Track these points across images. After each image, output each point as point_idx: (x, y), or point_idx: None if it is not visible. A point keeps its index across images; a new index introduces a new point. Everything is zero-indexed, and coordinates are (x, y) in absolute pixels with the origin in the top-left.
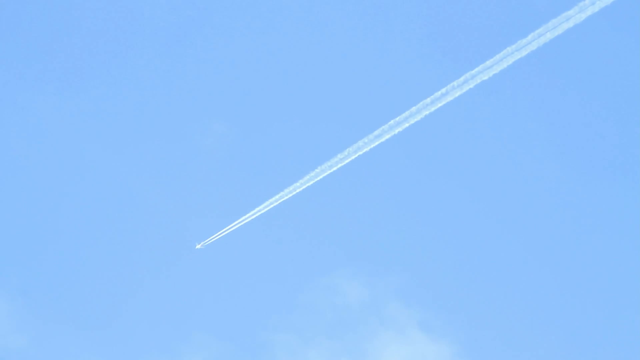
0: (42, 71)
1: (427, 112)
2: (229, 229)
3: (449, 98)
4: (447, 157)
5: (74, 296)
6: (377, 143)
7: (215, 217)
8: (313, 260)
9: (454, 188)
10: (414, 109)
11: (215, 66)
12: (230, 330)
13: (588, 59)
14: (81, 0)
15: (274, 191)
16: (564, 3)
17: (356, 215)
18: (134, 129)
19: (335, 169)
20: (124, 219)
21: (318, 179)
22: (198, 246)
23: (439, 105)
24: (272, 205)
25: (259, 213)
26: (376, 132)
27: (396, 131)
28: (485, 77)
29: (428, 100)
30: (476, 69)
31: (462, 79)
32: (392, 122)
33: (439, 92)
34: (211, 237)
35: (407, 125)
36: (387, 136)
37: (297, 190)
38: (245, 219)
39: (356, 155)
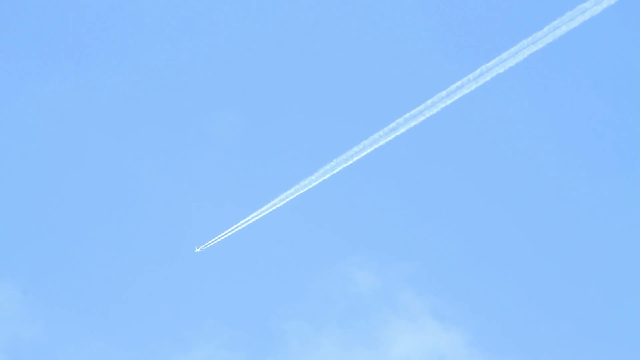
0: (50, 58)
1: (443, 105)
2: (243, 223)
3: (465, 91)
4: (461, 149)
5: (85, 286)
6: (392, 137)
7: (230, 208)
8: (325, 249)
9: (467, 178)
10: (429, 102)
11: (230, 57)
12: (242, 318)
13: (604, 52)
14: None
15: (289, 184)
16: None
17: (368, 204)
18: (142, 120)
19: (351, 162)
20: (136, 208)
21: (334, 172)
22: (207, 244)
23: (455, 98)
24: (288, 199)
25: (275, 207)
26: (392, 125)
27: (412, 124)
28: (501, 70)
29: (444, 93)
30: (492, 62)
31: (477, 71)
32: (407, 115)
33: (454, 85)
34: (228, 229)
35: (422, 118)
36: (403, 129)
37: (313, 185)
38: (261, 213)
39: (372, 148)
